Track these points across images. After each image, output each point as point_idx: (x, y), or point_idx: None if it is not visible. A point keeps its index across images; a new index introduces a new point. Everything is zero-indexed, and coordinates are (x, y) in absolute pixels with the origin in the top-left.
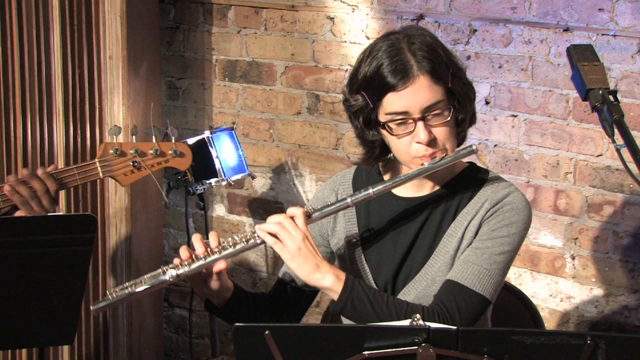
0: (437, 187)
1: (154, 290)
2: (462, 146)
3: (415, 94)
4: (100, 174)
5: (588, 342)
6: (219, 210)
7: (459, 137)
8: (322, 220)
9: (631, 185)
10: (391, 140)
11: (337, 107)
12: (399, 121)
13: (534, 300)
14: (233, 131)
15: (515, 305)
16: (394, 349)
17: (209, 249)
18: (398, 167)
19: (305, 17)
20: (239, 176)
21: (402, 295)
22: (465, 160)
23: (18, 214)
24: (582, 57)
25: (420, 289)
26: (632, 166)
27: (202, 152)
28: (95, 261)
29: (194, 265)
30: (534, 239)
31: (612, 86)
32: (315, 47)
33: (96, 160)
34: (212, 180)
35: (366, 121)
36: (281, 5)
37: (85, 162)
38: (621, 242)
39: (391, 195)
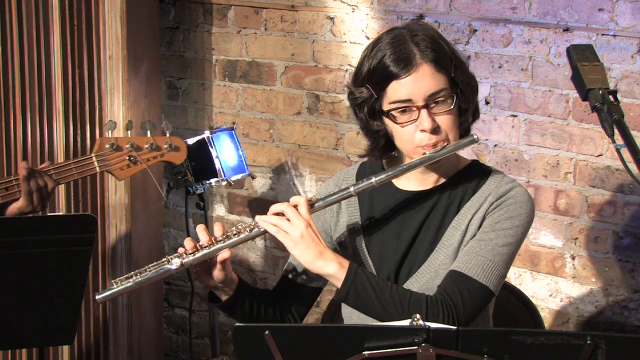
0: (440, 181)
1: (159, 279)
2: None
3: (419, 81)
4: (97, 169)
5: (588, 342)
6: (219, 210)
7: (462, 127)
8: (325, 216)
9: (631, 185)
10: (395, 130)
11: (337, 107)
12: (403, 109)
13: (534, 300)
14: (233, 131)
15: (515, 305)
16: (394, 349)
17: (213, 238)
18: (402, 162)
19: (305, 17)
20: (239, 176)
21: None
22: (468, 158)
23: (10, 209)
24: (582, 57)
25: (423, 281)
26: (632, 166)
27: (202, 152)
28: (95, 261)
29: (198, 254)
30: (534, 239)
31: (612, 86)
32: (315, 47)
33: (92, 154)
34: (212, 180)
35: (370, 111)
36: (281, 5)
37: (82, 156)
38: (621, 242)
39: (395, 188)
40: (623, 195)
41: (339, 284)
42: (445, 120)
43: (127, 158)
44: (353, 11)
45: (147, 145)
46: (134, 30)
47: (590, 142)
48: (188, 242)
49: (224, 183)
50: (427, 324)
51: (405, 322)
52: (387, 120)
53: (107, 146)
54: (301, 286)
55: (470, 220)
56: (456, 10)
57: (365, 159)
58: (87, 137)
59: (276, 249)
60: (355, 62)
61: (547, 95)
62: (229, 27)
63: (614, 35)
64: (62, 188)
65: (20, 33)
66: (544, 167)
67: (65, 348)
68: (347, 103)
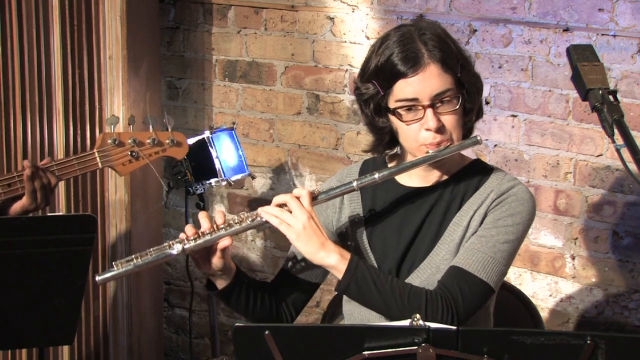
0: (443, 178)
1: (160, 263)
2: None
3: (425, 81)
4: (99, 164)
5: (588, 342)
6: (219, 210)
7: (466, 127)
8: (327, 211)
9: (631, 185)
10: (400, 127)
11: (337, 107)
12: (409, 108)
13: (533, 300)
14: (233, 131)
15: (515, 305)
16: (393, 349)
17: (214, 226)
18: (405, 159)
19: (305, 17)
20: (239, 176)
21: None
22: (471, 156)
23: (14, 208)
24: (582, 57)
25: (424, 277)
26: (632, 166)
27: (202, 152)
28: (95, 261)
29: (199, 241)
30: (534, 239)
31: (612, 86)
32: (315, 47)
33: (95, 150)
34: (212, 180)
35: (376, 108)
36: (281, 5)
37: (84, 152)
38: (621, 242)
39: (397, 185)
40: (623, 195)
41: (340, 276)
42: (450, 120)
43: (129, 153)
44: (353, 11)
45: (149, 141)
46: (134, 30)
47: (590, 142)
48: (189, 229)
49: (224, 183)
50: (427, 324)
51: (405, 322)
52: (392, 118)
53: (109, 141)
54: (299, 280)
55: (472, 216)
56: (456, 10)
57: (368, 157)
58: (87, 137)
59: (276, 249)
60: (355, 62)
61: (547, 95)
62: (229, 27)
63: (614, 35)
64: (62, 188)
65: (20, 33)
66: (544, 167)
67: (65, 348)
68: (347, 103)
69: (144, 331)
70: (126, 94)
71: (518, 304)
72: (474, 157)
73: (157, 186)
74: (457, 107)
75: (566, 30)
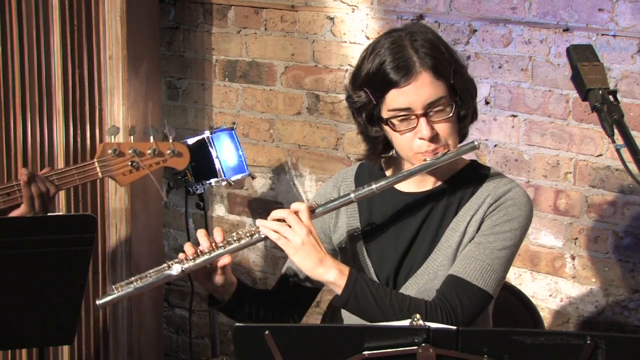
0: (439, 183)
1: (159, 284)
2: (464, 142)
3: (418, 90)
4: (99, 174)
5: (588, 342)
6: (219, 210)
7: (461, 133)
8: (324, 216)
9: (631, 185)
10: (394, 137)
11: (337, 107)
12: (402, 117)
13: (533, 300)
14: (233, 131)
15: (515, 305)
16: (394, 349)
17: (213, 244)
18: (400, 163)
19: (305, 17)
20: (239, 176)
21: (404, 290)
22: (467, 157)
23: (13, 214)
24: (582, 57)
25: (422, 283)
26: (632, 166)
27: (202, 152)
28: (95, 261)
29: (199, 260)
30: (534, 239)
31: (612, 86)
32: (315, 47)
33: (95, 160)
34: (212, 180)
35: (369, 117)
36: (281, 5)
37: (84, 162)
38: (621, 242)
39: (393, 190)
40: (623, 195)
41: (339, 291)
42: (444, 128)
43: (130, 164)
44: (353, 11)
45: (149, 151)
46: (134, 30)
47: (590, 142)
48: (188, 248)
49: (224, 183)
50: (427, 323)
51: (405, 322)
52: (385, 127)
53: (110, 152)
54: (300, 287)
55: (469, 222)
56: (456, 10)
57: (363, 160)
58: (87, 137)
59: (276, 249)
60: (355, 62)
61: (547, 95)
62: (229, 27)
63: (614, 35)
64: None
65: (20, 33)
66: (544, 167)
67: (65, 348)
68: (346, 104)
69: (144, 331)
70: (126, 94)
71: (518, 304)
72: (473, 156)
73: (157, 186)
74: (451, 114)
75: (566, 30)
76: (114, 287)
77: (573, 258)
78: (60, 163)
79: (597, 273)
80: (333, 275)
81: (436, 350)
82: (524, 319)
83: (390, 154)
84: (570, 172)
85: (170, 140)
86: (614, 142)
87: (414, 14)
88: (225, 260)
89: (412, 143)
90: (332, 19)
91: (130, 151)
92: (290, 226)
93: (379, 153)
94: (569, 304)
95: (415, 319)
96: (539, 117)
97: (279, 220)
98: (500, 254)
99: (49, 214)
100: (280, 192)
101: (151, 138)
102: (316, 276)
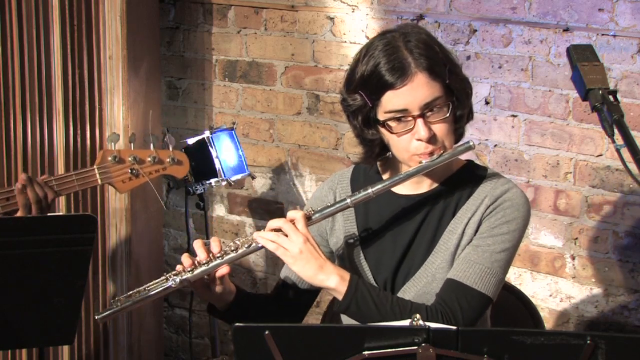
0: (435, 184)
1: (158, 297)
2: (460, 142)
3: (414, 91)
4: (99, 181)
5: (588, 342)
6: (219, 210)
7: (457, 133)
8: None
9: (631, 185)
10: (390, 139)
11: (337, 107)
12: (398, 119)
13: (533, 300)
14: (233, 131)
15: (515, 305)
16: (394, 349)
17: (211, 255)
18: (397, 165)
19: (305, 17)
20: (239, 176)
21: (402, 293)
22: (464, 157)
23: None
24: (582, 57)
25: (420, 286)
26: (632, 166)
27: (202, 152)
28: (95, 261)
29: (197, 271)
30: (534, 239)
31: (612, 86)
32: (315, 47)
33: (95, 167)
34: (212, 181)
35: (365, 120)
36: (281, 5)
37: (84, 168)
38: (621, 242)
39: (390, 193)
40: (623, 195)
41: (340, 297)
42: (441, 129)
43: (129, 171)
44: (353, 11)
45: (149, 159)
46: (134, 30)
47: (590, 142)
48: (186, 259)
49: (224, 183)
50: (427, 323)
51: (405, 322)
52: (382, 130)
53: (110, 158)
54: (298, 290)
55: (467, 223)
56: (456, 10)
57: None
58: (87, 137)
59: None
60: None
61: (547, 95)
62: (229, 27)
63: (614, 35)
64: None
65: (20, 33)
66: (544, 167)
67: (65, 348)
68: (341, 107)
69: (144, 331)
70: (126, 94)
71: (518, 304)
72: (473, 156)
73: (157, 186)
74: (448, 114)
75: (566, 30)
76: (112, 301)
77: (573, 258)
78: (60, 163)
79: (597, 273)
80: (334, 282)
81: (436, 350)
82: (524, 319)
83: (387, 155)
84: (570, 172)
85: (170, 149)
86: (614, 142)
87: (414, 14)
88: (223, 270)
89: (409, 144)
90: (332, 19)
91: (130, 158)
92: (287, 235)
93: (376, 156)
94: (569, 304)
95: (415, 319)
96: (539, 117)
97: (275, 230)
98: (499, 257)
99: (49, 214)
100: (280, 192)
101: (151, 146)
102: (317, 283)
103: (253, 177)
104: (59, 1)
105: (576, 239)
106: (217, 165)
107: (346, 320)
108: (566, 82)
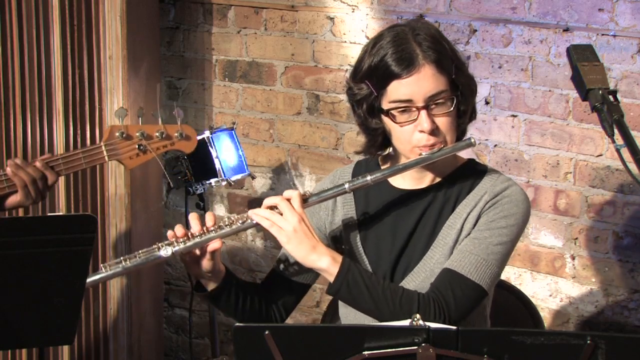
0: (436, 180)
1: (148, 265)
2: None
3: (420, 82)
4: (106, 158)
5: (588, 342)
6: (219, 210)
7: (459, 129)
8: (320, 213)
9: (631, 185)
10: (393, 129)
11: (337, 107)
12: (403, 109)
13: (533, 300)
14: (233, 131)
15: (515, 305)
16: (393, 349)
17: (204, 228)
18: (398, 160)
19: (305, 17)
20: (239, 176)
21: None
22: (466, 156)
23: (9, 202)
24: (582, 57)
25: (419, 280)
26: (632, 166)
27: (202, 152)
28: (95, 261)
29: (189, 243)
30: (534, 239)
31: (612, 86)
32: (315, 47)
33: (102, 143)
34: (212, 180)
35: (369, 109)
36: (281, 5)
37: (91, 146)
38: (621, 242)
39: (390, 187)
40: (623, 195)
41: (331, 279)
42: (444, 122)
43: (137, 147)
44: (353, 11)
45: (157, 134)
46: (134, 30)
47: (590, 142)
48: (179, 229)
49: (224, 183)
50: (427, 324)
51: (405, 322)
52: (385, 119)
53: (117, 134)
54: (289, 281)
55: (466, 218)
56: (456, 10)
57: (361, 158)
58: (87, 137)
59: (276, 249)
60: (356, 60)
61: (547, 95)
62: (229, 27)
63: (614, 35)
64: (62, 187)
65: (20, 33)
66: (544, 167)
67: (65, 348)
68: (347, 103)
69: (144, 331)
70: (126, 94)
71: (518, 304)
72: (473, 156)
73: (157, 186)
74: (452, 108)
75: (566, 30)
76: (102, 266)
77: (573, 258)
78: None
79: (597, 273)
80: (326, 263)
81: (436, 350)
82: (524, 319)
83: (387, 152)
84: (570, 172)
85: (179, 123)
86: (614, 142)
87: (414, 14)
88: (215, 244)
89: (411, 136)
90: (332, 19)
91: (137, 134)
92: (282, 213)
93: (378, 146)
94: (569, 304)
95: (415, 319)
96: (539, 117)
97: (271, 207)
98: (496, 249)
99: (49, 214)
100: (280, 192)
101: (159, 120)
102: (308, 263)
103: (253, 177)
104: (59, 1)
105: (576, 239)
106: (217, 165)
107: (346, 320)
108: (566, 82)
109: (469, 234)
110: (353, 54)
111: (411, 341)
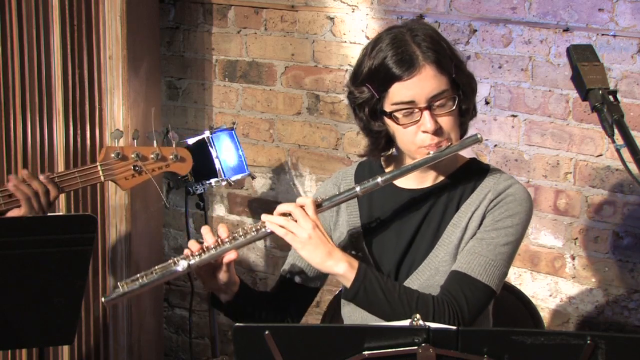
0: (439, 179)
1: (165, 281)
2: (466, 136)
3: (421, 83)
4: (102, 178)
5: (588, 342)
6: (219, 210)
7: (462, 128)
8: (324, 214)
9: (631, 185)
10: (397, 131)
11: (337, 107)
12: (405, 111)
13: (533, 300)
14: (233, 131)
15: (515, 305)
16: (394, 349)
17: (219, 240)
18: (401, 161)
19: (305, 17)
20: (239, 176)
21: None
22: (468, 156)
23: (12, 213)
24: (582, 57)
25: (423, 279)
26: (632, 166)
27: (202, 152)
28: (95, 261)
29: (205, 256)
30: (534, 239)
31: (612, 86)
32: (315, 47)
33: (97, 163)
34: (212, 181)
35: (372, 112)
36: (281, 5)
37: (87, 165)
38: (621, 242)
39: (394, 187)
40: (623, 195)
41: (348, 284)
42: (447, 121)
43: (132, 168)
44: (353, 11)
45: (152, 156)
46: (134, 30)
47: (590, 142)
48: (193, 244)
49: (224, 183)
50: (427, 324)
51: (405, 322)
52: (388, 121)
53: (113, 155)
54: (299, 287)
55: (470, 217)
56: (456, 10)
57: (363, 159)
58: (87, 137)
59: (276, 249)
60: (355, 62)
61: (547, 95)
62: (229, 27)
63: (614, 35)
64: None
65: (20, 33)
66: (544, 167)
67: (65, 348)
68: (347, 103)
69: (144, 331)
70: (126, 94)
71: (518, 304)
72: (473, 156)
73: (159, 184)
74: (454, 107)
75: (566, 30)
76: (119, 284)
77: (573, 258)
78: (60, 163)
79: (597, 273)
80: (342, 268)
81: (436, 350)
82: (524, 319)
83: (390, 152)
84: (570, 172)
85: (174, 145)
86: (614, 142)
87: (414, 14)
88: (231, 255)
89: (415, 137)
90: (332, 19)
91: (133, 155)
92: (296, 220)
93: (382, 149)
94: (569, 304)
95: (415, 319)
96: (539, 117)
97: (284, 214)
98: (503, 250)
99: (49, 214)
100: (280, 192)
101: (154, 142)
102: (325, 269)
103: (253, 177)
104: (59, 1)
105: (576, 239)
106: (217, 165)
107: (346, 320)
108: (566, 82)
109: (473, 233)
110: (353, 54)
111: (411, 341)
